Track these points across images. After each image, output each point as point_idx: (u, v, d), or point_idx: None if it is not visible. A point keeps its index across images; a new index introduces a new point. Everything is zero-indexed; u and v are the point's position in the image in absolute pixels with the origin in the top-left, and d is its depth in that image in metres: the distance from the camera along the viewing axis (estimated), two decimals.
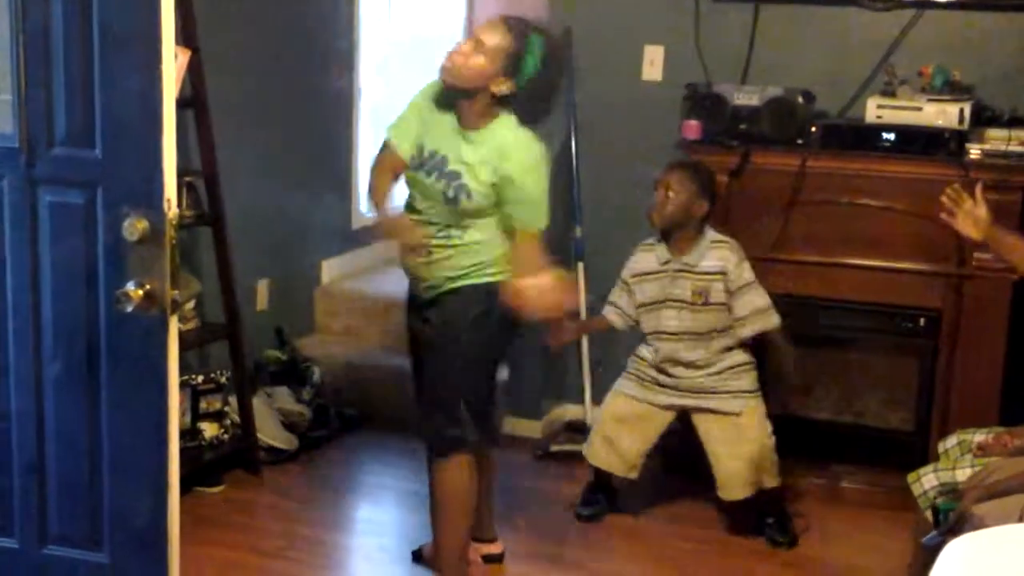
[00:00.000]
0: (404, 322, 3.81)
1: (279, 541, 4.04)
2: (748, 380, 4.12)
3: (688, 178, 4.05)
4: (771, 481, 4.12)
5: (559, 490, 4.47)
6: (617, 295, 4.27)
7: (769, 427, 4.13)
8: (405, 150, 3.56)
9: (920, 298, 4.39)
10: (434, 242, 3.53)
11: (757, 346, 4.18)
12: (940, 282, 4.35)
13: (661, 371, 4.17)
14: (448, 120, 3.51)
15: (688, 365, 4.12)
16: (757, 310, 4.06)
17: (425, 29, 7.15)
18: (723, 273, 4.05)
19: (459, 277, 3.54)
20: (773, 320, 4.08)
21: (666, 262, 4.13)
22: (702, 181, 4.07)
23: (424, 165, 3.53)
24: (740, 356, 4.13)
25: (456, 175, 3.47)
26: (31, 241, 2.77)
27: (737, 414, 4.08)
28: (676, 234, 4.09)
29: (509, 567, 3.97)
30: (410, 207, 3.62)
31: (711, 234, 4.11)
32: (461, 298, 3.54)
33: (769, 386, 4.25)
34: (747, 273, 4.07)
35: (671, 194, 4.04)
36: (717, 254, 4.07)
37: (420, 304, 3.66)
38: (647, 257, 4.19)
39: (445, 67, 3.43)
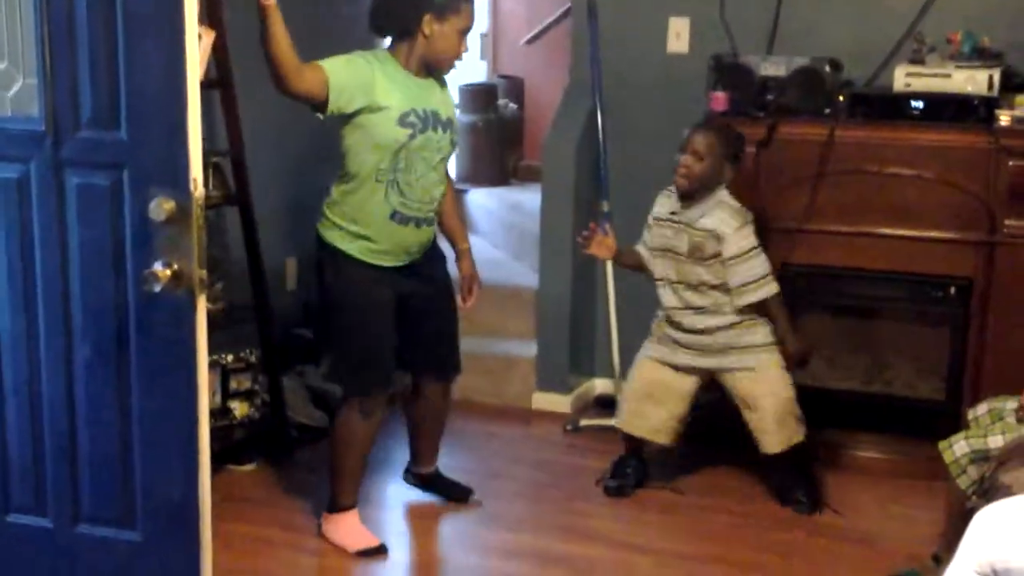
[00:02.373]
0: (376, 294, 3.81)
1: (310, 518, 4.07)
2: (760, 334, 4.10)
3: (714, 142, 4.03)
4: (797, 436, 4.12)
5: (589, 465, 4.47)
6: (646, 234, 4.29)
7: (789, 378, 4.11)
8: (348, 96, 3.61)
9: (951, 266, 4.36)
10: (429, 206, 3.78)
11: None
12: (971, 250, 4.31)
13: (673, 325, 4.17)
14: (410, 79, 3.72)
15: (689, 313, 4.12)
16: (755, 278, 4.03)
17: None
18: (718, 236, 4.02)
19: (433, 236, 3.93)
20: (771, 288, 4.04)
21: (673, 212, 4.14)
22: (727, 143, 4.06)
23: (428, 123, 3.69)
24: (743, 314, 4.11)
25: (449, 122, 3.77)
26: (59, 223, 2.79)
27: (754, 368, 4.08)
28: (698, 197, 4.08)
29: (539, 541, 3.98)
30: (375, 173, 3.68)
31: (721, 194, 4.08)
32: (440, 253, 4.02)
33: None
34: (745, 240, 4.03)
35: (699, 157, 4.02)
36: (717, 215, 4.04)
37: (398, 269, 3.81)
38: (664, 201, 4.21)
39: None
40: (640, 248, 4.29)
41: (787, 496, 4.19)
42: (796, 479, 4.20)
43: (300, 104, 3.56)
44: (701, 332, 4.12)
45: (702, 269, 4.07)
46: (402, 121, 3.66)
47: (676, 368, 4.20)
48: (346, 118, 3.64)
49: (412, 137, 3.65)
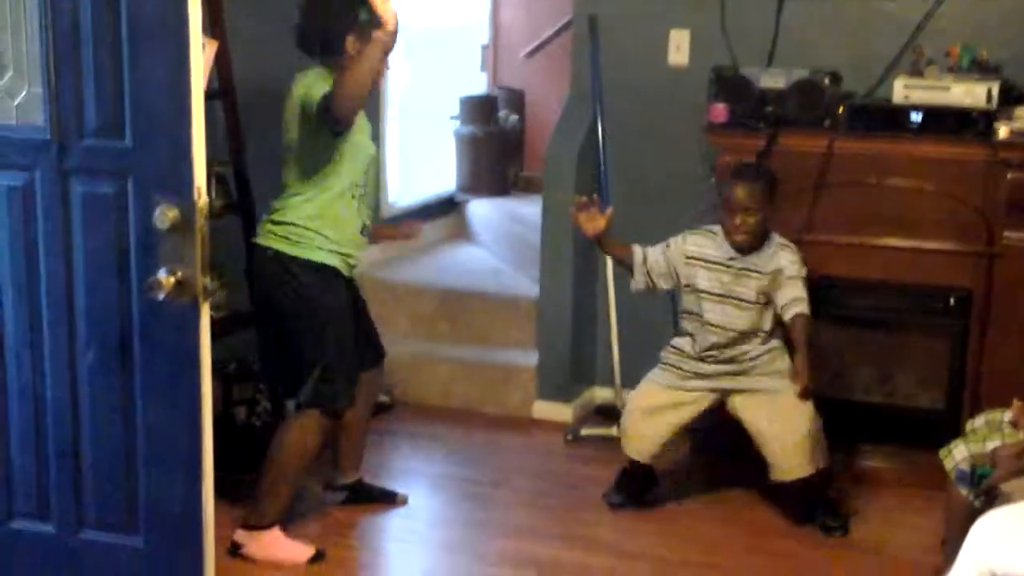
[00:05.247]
0: (332, 301, 3.82)
1: (311, 524, 4.08)
2: (783, 360, 4.12)
3: (763, 193, 4.05)
4: (823, 461, 4.09)
5: (591, 474, 4.48)
6: (656, 251, 4.22)
7: (811, 406, 4.08)
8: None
9: (950, 277, 4.38)
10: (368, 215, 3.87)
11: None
12: (970, 261, 4.33)
13: (703, 360, 4.15)
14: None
15: (731, 352, 4.11)
16: (798, 298, 4.04)
17: (450, 16, 7.18)
18: (782, 271, 4.06)
19: None
20: (803, 308, 4.04)
21: (732, 258, 4.11)
22: (769, 189, 4.07)
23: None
24: (774, 340, 4.14)
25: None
26: (64, 231, 2.81)
27: (777, 392, 4.07)
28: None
29: (541, 549, 3.99)
30: (351, 188, 3.74)
31: (775, 236, 4.13)
32: None
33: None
34: (803, 271, 4.09)
35: (751, 212, 4.02)
36: (783, 255, 4.08)
37: (344, 279, 3.84)
38: (708, 243, 4.16)
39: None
40: (637, 251, 4.25)
41: (811, 518, 4.15)
42: (819, 502, 4.16)
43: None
44: (731, 361, 4.13)
45: (757, 315, 4.09)
46: (369, 136, 3.78)
47: (689, 391, 4.19)
48: (337, 139, 3.66)
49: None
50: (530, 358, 5.24)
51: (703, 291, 4.14)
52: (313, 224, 3.72)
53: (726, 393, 4.17)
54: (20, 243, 2.85)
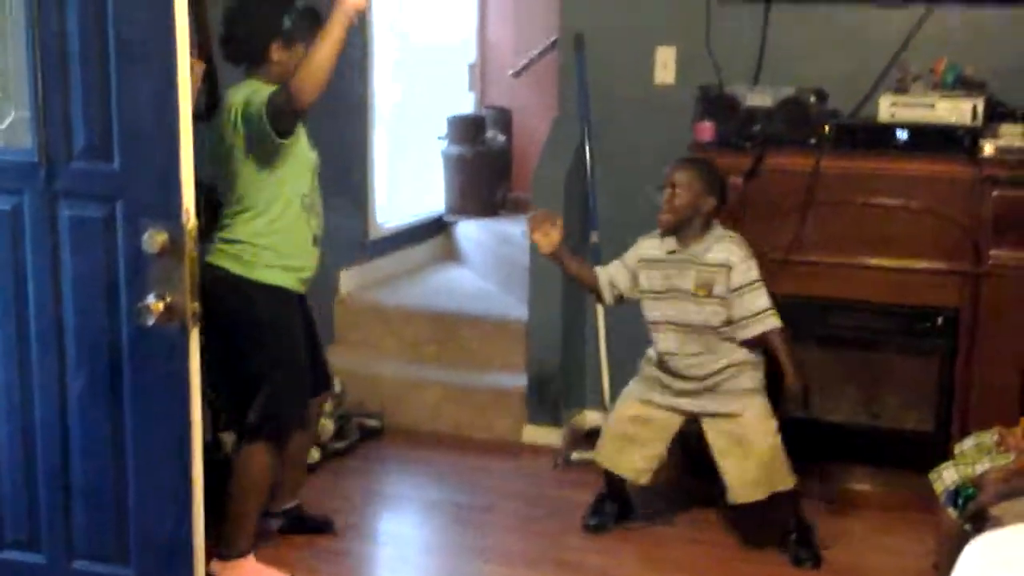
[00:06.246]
0: (283, 323, 3.78)
1: (301, 552, 4.05)
2: (748, 378, 4.06)
3: (693, 176, 4.03)
4: (783, 483, 4.03)
5: (581, 498, 4.46)
6: (615, 266, 4.23)
7: (774, 425, 4.04)
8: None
9: (937, 297, 4.37)
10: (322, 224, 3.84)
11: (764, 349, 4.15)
12: (957, 280, 4.32)
13: (664, 369, 4.12)
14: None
15: (686, 357, 4.07)
16: (758, 311, 3.99)
17: (438, 34, 7.19)
18: (728, 267, 4.00)
19: None
20: (774, 322, 4.00)
21: (672, 251, 4.09)
22: (708, 177, 4.05)
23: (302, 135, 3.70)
24: (739, 354, 4.05)
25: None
26: (52, 255, 2.80)
27: (739, 415, 4.03)
28: (684, 229, 4.06)
29: (530, 574, 3.97)
30: (298, 198, 3.70)
31: (719, 229, 4.08)
32: None
33: (779, 391, 4.14)
34: (753, 271, 4.01)
35: (678, 191, 4.01)
36: (724, 246, 4.02)
37: (296, 297, 3.80)
38: (653, 243, 4.16)
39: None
40: (601, 273, 4.24)
41: (783, 546, 4.11)
42: (790, 529, 4.12)
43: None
44: (691, 378, 4.09)
45: (707, 309, 4.03)
46: (309, 143, 3.73)
47: (659, 407, 4.16)
48: (283, 144, 3.60)
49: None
50: (519, 381, 5.22)
51: (648, 290, 4.14)
52: (262, 240, 3.65)
53: (693, 416, 4.13)
54: (8, 267, 2.85)
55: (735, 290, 3.99)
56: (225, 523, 3.77)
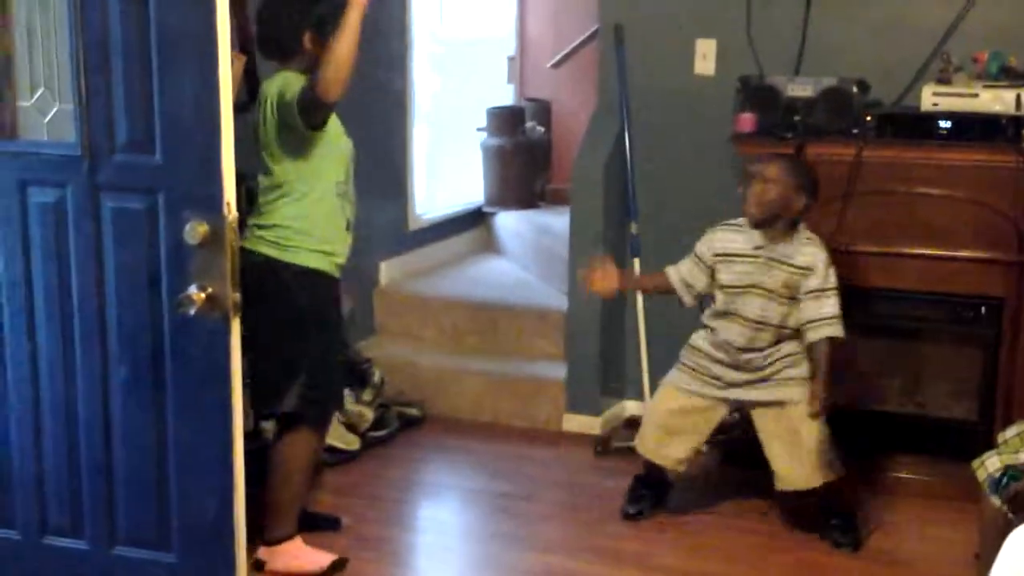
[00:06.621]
0: (320, 307, 3.80)
1: (344, 540, 4.08)
2: (801, 368, 4.05)
3: (787, 170, 3.99)
4: (831, 474, 4.03)
5: (620, 486, 4.46)
6: (687, 265, 4.19)
7: (822, 416, 4.03)
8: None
9: (981, 286, 4.34)
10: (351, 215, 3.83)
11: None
12: (1001, 269, 4.29)
13: (720, 360, 4.11)
14: None
15: (749, 352, 4.06)
16: (829, 316, 3.97)
17: (477, 28, 7.20)
18: (812, 270, 3.97)
19: None
20: (838, 330, 3.97)
21: (759, 247, 4.04)
22: (801, 174, 4.00)
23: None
24: (791, 346, 4.06)
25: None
26: (95, 247, 2.83)
27: (788, 403, 4.02)
28: (771, 227, 4.01)
29: (571, 563, 3.98)
30: (334, 186, 3.72)
31: (805, 231, 4.05)
32: None
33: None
34: (832, 278, 3.99)
35: (768, 186, 3.96)
36: (811, 250, 4.00)
37: (331, 280, 3.80)
38: (734, 237, 4.10)
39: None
40: (671, 273, 4.24)
41: (823, 530, 4.10)
42: (832, 516, 4.11)
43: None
44: (749, 370, 4.08)
45: (785, 310, 4.01)
46: (344, 131, 3.75)
47: (703, 398, 4.15)
48: (314, 136, 3.63)
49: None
50: (559, 371, 5.23)
51: (728, 285, 4.09)
52: (298, 224, 3.67)
53: (739, 404, 4.14)
54: (52, 259, 2.88)
55: (810, 292, 3.97)
56: (270, 510, 3.81)
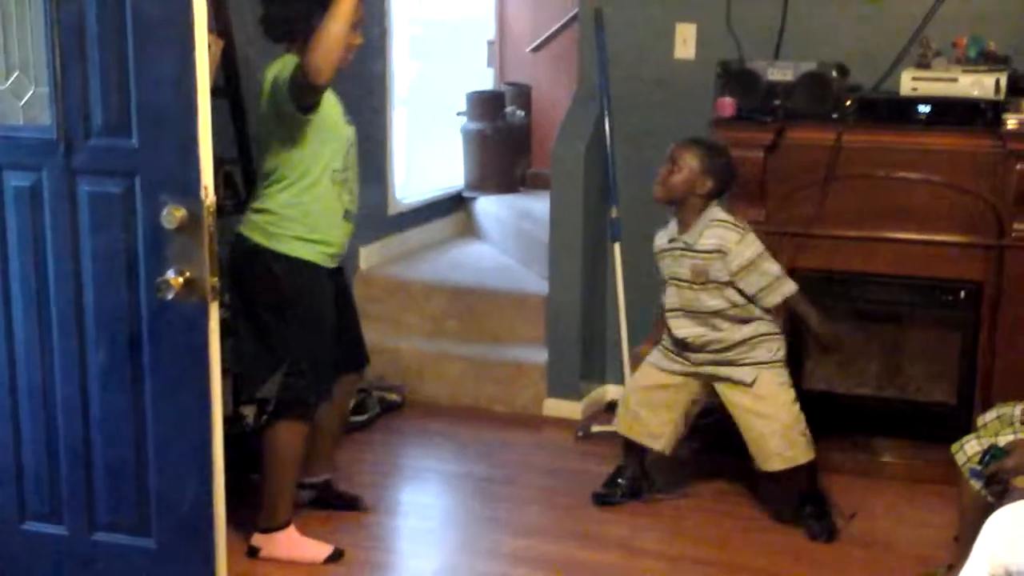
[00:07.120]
0: (329, 300, 3.81)
1: (324, 524, 4.07)
2: (763, 350, 4.03)
3: (694, 154, 3.99)
4: (803, 455, 4.03)
5: (602, 470, 4.46)
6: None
7: (791, 396, 4.04)
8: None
9: (960, 270, 4.36)
10: (357, 200, 3.84)
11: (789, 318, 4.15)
12: (980, 254, 4.31)
13: (683, 345, 4.12)
14: None
15: (698, 339, 4.05)
16: (769, 282, 3.96)
17: (455, 11, 7.18)
18: (722, 252, 3.96)
19: None
20: (790, 286, 3.98)
21: (672, 239, 4.08)
22: (709, 158, 4.00)
23: (346, 118, 3.74)
24: (755, 327, 4.03)
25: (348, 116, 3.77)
26: (71, 231, 2.81)
27: (749, 384, 4.02)
28: (680, 210, 4.04)
29: (553, 547, 3.99)
30: (330, 173, 3.69)
31: (713, 212, 4.01)
32: None
33: (812, 351, 4.25)
34: (749, 249, 3.95)
35: (675, 167, 3.99)
36: (715, 233, 3.97)
37: (328, 272, 3.79)
38: (662, 234, 4.15)
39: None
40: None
41: (797, 519, 4.10)
42: (805, 502, 4.12)
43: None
44: (709, 352, 4.08)
45: (705, 296, 4.01)
46: (344, 118, 3.73)
47: (676, 374, 4.17)
48: (309, 119, 3.60)
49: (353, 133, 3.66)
50: (540, 355, 5.23)
51: (663, 280, 4.15)
52: (289, 211, 3.65)
53: (710, 380, 4.13)
54: (28, 243, 2.86)
55: (738, 272, 3.96)
56: (262, 498, 3.81)
